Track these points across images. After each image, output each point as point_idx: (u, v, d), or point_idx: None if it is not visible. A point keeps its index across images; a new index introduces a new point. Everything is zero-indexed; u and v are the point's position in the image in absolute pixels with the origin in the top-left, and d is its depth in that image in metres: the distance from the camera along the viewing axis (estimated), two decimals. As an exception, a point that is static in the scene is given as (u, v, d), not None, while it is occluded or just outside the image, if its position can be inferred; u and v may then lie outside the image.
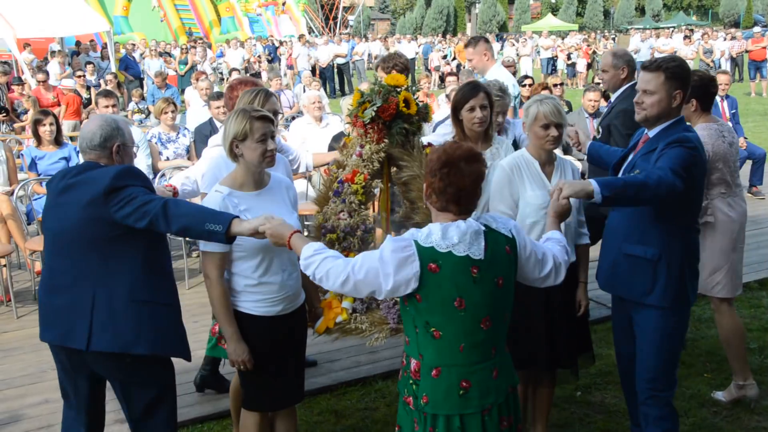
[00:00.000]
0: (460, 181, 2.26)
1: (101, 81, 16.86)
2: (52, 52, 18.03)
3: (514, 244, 2.40)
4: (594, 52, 23.08)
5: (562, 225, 3.22)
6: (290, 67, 21.71)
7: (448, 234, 2.27)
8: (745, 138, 8.55)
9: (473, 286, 2.28)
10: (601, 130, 4.40)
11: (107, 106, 6.16)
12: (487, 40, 5.80)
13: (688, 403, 3.96)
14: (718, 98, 8.45)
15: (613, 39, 27.34)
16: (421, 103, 3.32)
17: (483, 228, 2.33)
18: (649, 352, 3.11)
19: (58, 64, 16.36)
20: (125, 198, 2.64)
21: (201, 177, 3.70)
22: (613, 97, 4.45)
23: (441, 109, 8.12)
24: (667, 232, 3.02)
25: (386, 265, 2.26)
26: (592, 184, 2.74)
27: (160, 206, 2.63)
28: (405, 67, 4.82)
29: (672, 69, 2.96)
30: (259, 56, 22.10)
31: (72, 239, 2.71)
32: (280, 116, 4.82)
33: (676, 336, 3.13)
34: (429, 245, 2.26)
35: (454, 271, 2.26)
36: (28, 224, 6.32)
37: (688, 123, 3.23)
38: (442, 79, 15.03)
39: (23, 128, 10.21)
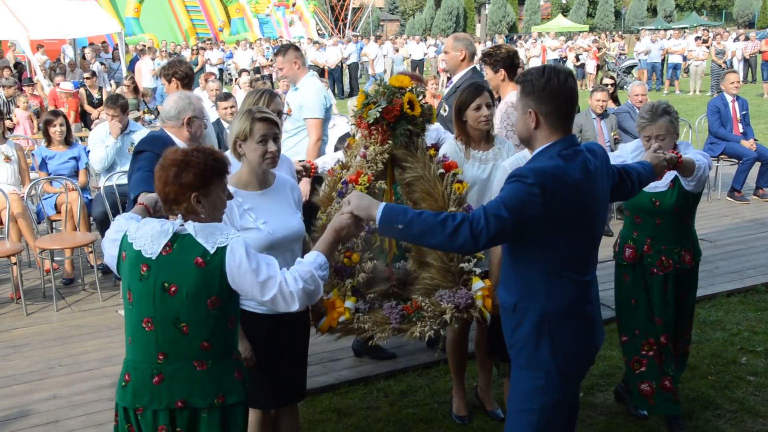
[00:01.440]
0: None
1: (112, 82, 17.02)
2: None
3: (217, 259, 2.26)
4: (604, 53, 23.02)
5: None
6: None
7: (144, 227, 2.35)
8: (755, 140, 8.49)
9: (139, 283, 2.30)
10: (447, 107, 4.75)
11: (113, 117, 6.18)
12: (297, 48, 5.55)
13: (691, 405, 3.95)
14: (729, 99, 8.42)
15: (621, 38, 27.20)
16: (425, 105, 3.34)
17: (173, 231, 2.29)
18: (507, 420, 2.60)
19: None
20: None
21: None
22: (455, 78, 4.92)
23: (448, 110, 8.13)
24: (527, 278, 2.47)
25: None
26: (379, 208, 2.35)
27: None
28: (186, 75, 4.92)
29: (523, 82, 2.48)
30: (270, 59, 22.21)
31: None
32: (284, 117, 4.86)
33: (535, 411, 2.46)
34: (126, 234, 2.39)
35: (130, 263, 2.33)
36: (38, 223, 6.39)
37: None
38: (449, 80, 15.06)
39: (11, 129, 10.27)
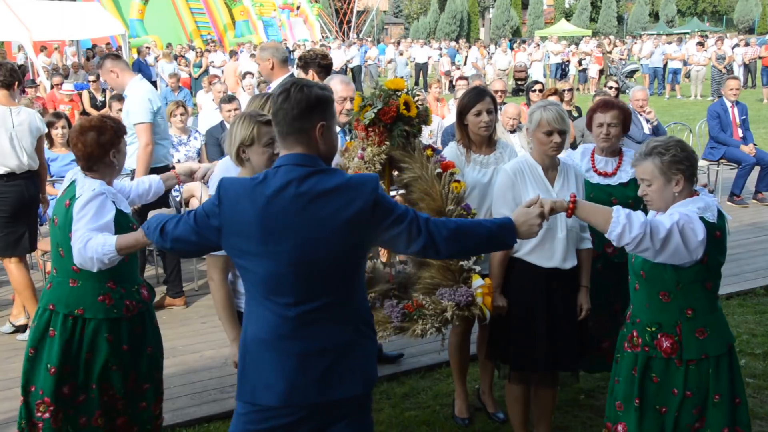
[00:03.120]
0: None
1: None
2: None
3: (72, 202, 2.98)
4: (607, 57, 23.04)
5: (564, 228, 3.26)
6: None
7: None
8: (755, 144, 8.53)
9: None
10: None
11: (120, 110, 6.28)
12: (115, 57, 5.48)
13: (690, 407, 3.96)
14: (728, 104, 8.46)
15: (623, 43, 27.24)
16: (421, 106, 3.37)
17: (71, 178, 3.12)
18: None
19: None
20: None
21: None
22: (272, 86, 5.05)
23: (451, 113, 8.16)
24: (248, 295, 2.36)
25: None
26: None
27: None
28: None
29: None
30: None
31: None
32: None
33: None
34: None
35: None
36: (41, 225, 6.41)
37: None
38: (452, 84, 15.08)
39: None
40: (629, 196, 3.62)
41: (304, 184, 2.17)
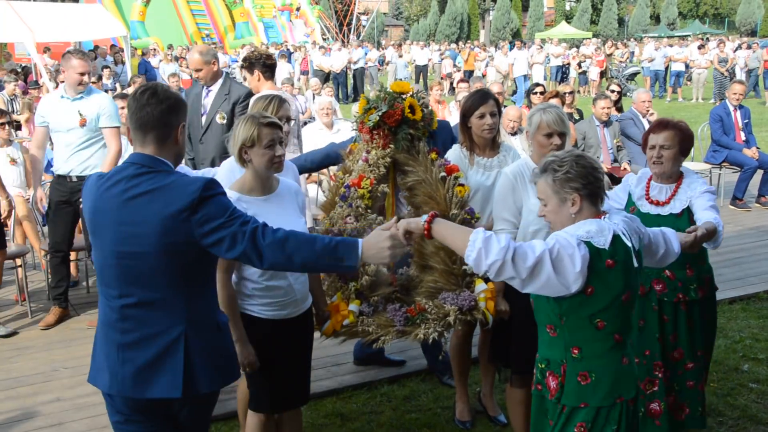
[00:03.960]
0: None
1: (117, 85, 17.08)
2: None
3: None
4: (610, 59, 23.04)
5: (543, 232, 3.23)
6: (304, 72, 21.86)
7: None
8: (758, 148, 8.52)
9: None
10: None
11: (124, 108, 6.27)
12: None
13: (693, 411, 3.96)
14: (731, 107, 8.46)
15: (625, 45, 27.23)
16: (426, 109, 3.37)
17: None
18: None
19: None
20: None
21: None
22: (215, 87, 5.21)
23: (452, 116, 8.16)
24: None
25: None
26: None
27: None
28: None
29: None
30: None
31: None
32: (293, 122, 4.90)
33: None
34: None
35: None
36: (43, 225, 6.42)
37: None
38: (452, 86, 15.08)
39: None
40: (682, 229, 3.04)
41: (132, 182, 2.28)
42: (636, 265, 2.39)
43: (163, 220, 2.22)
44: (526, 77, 21.08)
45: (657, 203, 3.36)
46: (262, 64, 5.02)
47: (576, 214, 2.37)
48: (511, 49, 23.51)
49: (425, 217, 2.36)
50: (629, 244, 2.36)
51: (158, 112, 2.32)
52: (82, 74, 5.02)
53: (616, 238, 2.32)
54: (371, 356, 4.49)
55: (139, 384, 2.28)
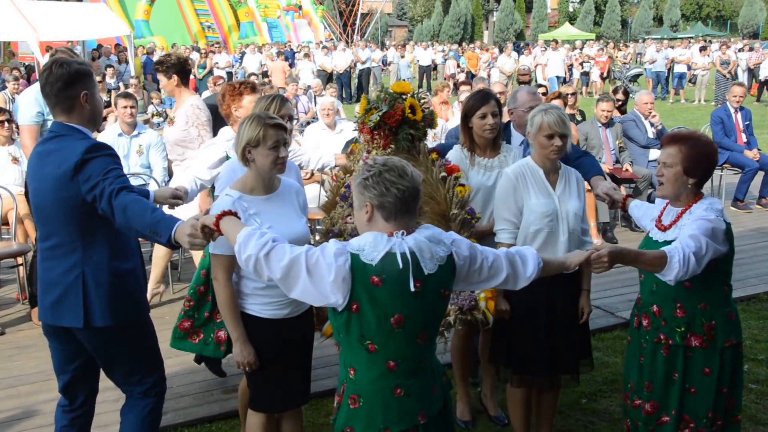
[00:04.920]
0: None
1: (121, 84, 17.13)
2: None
3: None
4: (612, 60, 23.02)
5: (566, 232, 3.26)
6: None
7: None
8: (759, 150, 8.53)
9: None
10: None
11: (126, 107, 6.29)
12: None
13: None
14: (731, 109, 8.47)
15: (626, 47, 27.22)
16: (426, 110, 3.38)
17: None
18: None
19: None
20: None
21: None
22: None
23: (455, 116, 8.17)
24: None
25: None
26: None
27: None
28: None
29: None
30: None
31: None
32: (295, 121, 4.93)
33: None
34: None
35: None
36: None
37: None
38: (456, 86, 15.07)
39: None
40: None
41: (43, 146, 2.79)
42: (413, 288, 2.16)
43: (56, 179, 2.68)
44: (559, 78, 21.09)
45: (662, 228, 2.95)
46: (180, 68, 5.09)
47: (368, 222, 2.23)
48: (516, 50, 23.50)
49: (218, 211, 2.39)
50: (401, 265, 2.14)
51: (56, 89, 2.74)
52: None
53: (388, 256, 2.15)
54: None
55: (54, 314, 2.80)
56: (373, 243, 2.17)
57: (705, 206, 2.84)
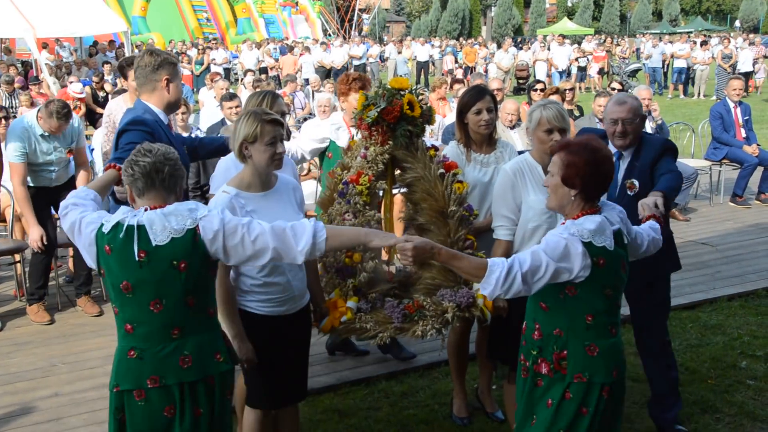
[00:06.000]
0: None
1: (118, 81, 17.08)
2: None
3: None
4: (611, 55, 23.00)
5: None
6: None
7: None
8: (758, 145, 8.51)
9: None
10: None
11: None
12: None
13: (691, 408, 3.96)
14: (731, 104, 8.45)
15: (621, 42, 27.22)
16: (425, 106, 3.36)
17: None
18: None
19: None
20: None
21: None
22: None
23: (453, 112, 8.15)
24: None
25: None
26: None
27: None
28: None
29: None
30: (277, 59, 22.27)
31: None
32: (290, 117, 4.92)
33: None
34: None
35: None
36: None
37: None
38: (451, 84, 15.06)
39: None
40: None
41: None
42: (137, 258, 2.34)
43: None
44: (562, 73, 21.07)
45: None
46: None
47: (133, 204, 2.48)
48: (515, 44, 23.47)
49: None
50: (123, 235, 2.35)
51: (145, 72, 3.35)
52: None
53: (117, 227, 2.36)
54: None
55: None
56: (114, 216, 2.42)
57: (575, 223, 2.51)
